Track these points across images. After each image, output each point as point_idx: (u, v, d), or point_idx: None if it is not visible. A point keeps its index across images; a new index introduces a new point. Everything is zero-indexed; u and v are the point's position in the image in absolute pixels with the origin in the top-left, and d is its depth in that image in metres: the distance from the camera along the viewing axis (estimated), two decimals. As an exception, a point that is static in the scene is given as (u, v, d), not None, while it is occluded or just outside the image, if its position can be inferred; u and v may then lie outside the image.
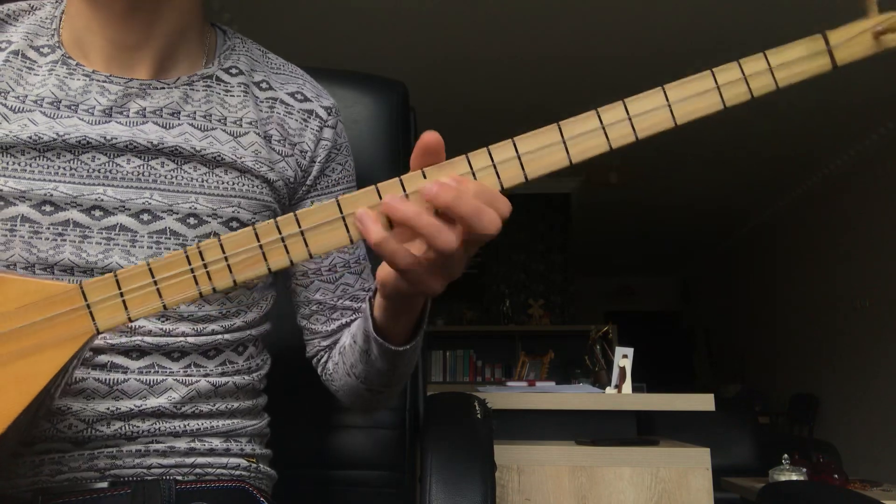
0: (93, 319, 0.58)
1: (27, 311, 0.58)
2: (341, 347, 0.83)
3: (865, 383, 4.75)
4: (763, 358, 6.68)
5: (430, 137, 0.57)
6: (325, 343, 0.88)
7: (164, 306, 0.58)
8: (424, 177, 0.58)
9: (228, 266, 0.58)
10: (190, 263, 0.57)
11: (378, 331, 0.70)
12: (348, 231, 0.58)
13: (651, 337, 6.80)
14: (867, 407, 4.72)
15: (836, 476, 2.73)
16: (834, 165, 5.12)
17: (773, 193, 5.92)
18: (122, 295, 0.58)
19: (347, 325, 0.87)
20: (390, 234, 0.55)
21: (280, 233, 0.57)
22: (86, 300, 0.58)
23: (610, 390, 1.99)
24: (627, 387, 1.98)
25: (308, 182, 0.85)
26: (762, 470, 3.00)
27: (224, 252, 0.57)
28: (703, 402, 1.92)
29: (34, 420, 0.67)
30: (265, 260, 0.58)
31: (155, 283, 0.58)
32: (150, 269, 0.57)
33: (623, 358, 2.00)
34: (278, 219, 0.57)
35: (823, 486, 2.30)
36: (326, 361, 0.88)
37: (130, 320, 0.58)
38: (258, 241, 0.57)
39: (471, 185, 0.55)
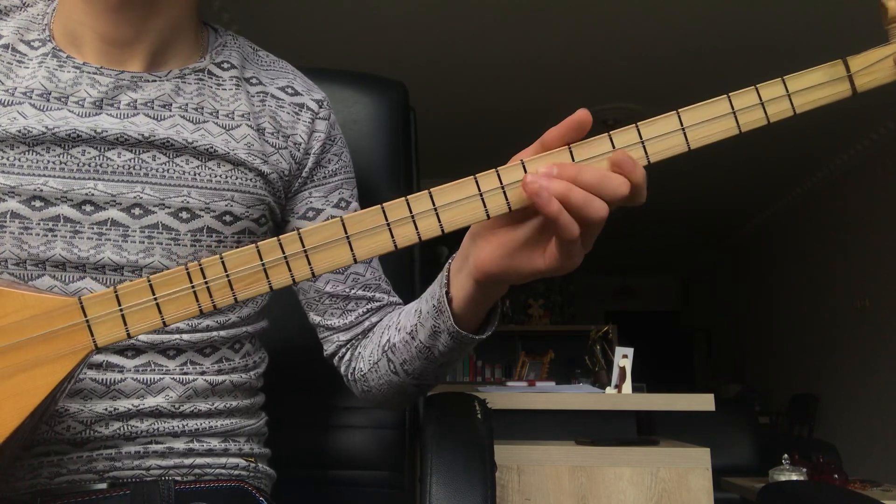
0: (91, 335, 0.57)
1: (26, 326, 0.58)
2: (386, 346, 0.79)
3: (865, 383, 4.74)
4: (763, 358, 6.67)
5: (584, 115, 0.58)
6: (345, 338, 0.86)
7: (164, 322, 0.57)
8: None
9: (230, 283, 0.57)
10: (191, 280, 0.57)
11: (458, 324, 0.69)
12: (352, 250, 0.57)
13: (651, 337, 6.80)
14: (867, 407, 4.71)
15: (836, 476, 2.73)
16: (834, 165, 5.12)
17: (773, 194, 5.91)
18: (121, 310, 0.57)
19: (365, 314, 0.85)
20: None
21: (283, 251, 0.57)
22: (85, 316, 0.57)
23: (610, 390, 1.99)
24: (627, 387, 1.98)
25: (304, 174, 0.85)
26: (762, 470, 3.00)
27: (226, 270, 0.57)
28: (703, 402, 1.92)
29: (35, 427, 0.67)
30: (267, 278, 0.57)
31: (155, 298, 0.57)
32: (150, 285, 0.57)
33: (623, 358, 2.00)
34: (281, 237, 0.57)
35: (823, 486, 2.30)
36: (352, 360, 0.85)
37: (130, 336, 0.57)
38: (261, 259, 0.57)
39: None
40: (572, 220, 0.56)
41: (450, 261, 0.69)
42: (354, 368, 0.85)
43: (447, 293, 0.68)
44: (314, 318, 0.87)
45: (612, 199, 0.57)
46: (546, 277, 0.63)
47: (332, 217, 0.80)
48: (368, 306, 0.86)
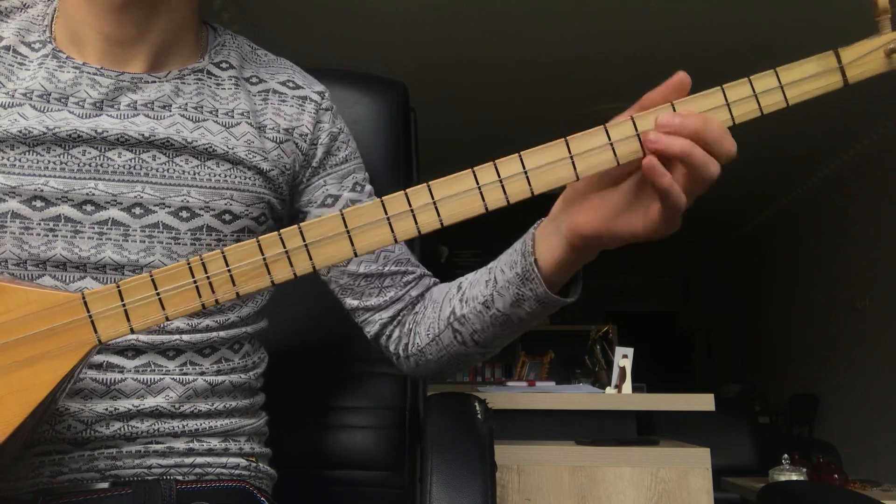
0: (95, 330, 0.58)
1: (28, 322, 0.58)
2: (451, 318, 0.78)
3: (865, 383, 4.74)
4: (763, 358, 6.67)
5: (683, 76, 0.61)
6: (387, 315, 0.85)
7: (167, 317, 0.58)
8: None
9: (231, 278, 0.58)
10: (193, 275, 0.57)
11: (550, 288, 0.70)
12: (352, 244, 0.58)
13: (651, 337, 6.79)
14: (867, 407, 4.71)
15: (836, 476, 2.73)
16: (834, 165, 5.12)
17: (773, 193, 5.91)
18: (124, 306, 0.57)
19: (404, 288, 0.85)
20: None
21: (284, 246, 0.58)
22: (88, 311, 0.58)
23: (610, 390, 1.99)
24: (627, 387, 1.98)
25: (314, 164, 0.85)
26: (762, 470, 3.00)
27: (227, 264, 0.58)
28: (703, 402, 1.92)
29: (36, 425, 0.67)
30: (269, 273, 0.58)
31: (157, 294, 0.57)
32: (152, 280, 0.57)
33: (623, 358, 2.00)
34: (282, 231, 0.58)
35: (823, 486, 2.30)
36: (402, 337, 0.84)
37: (133, 331, 0.58)
38: (262, 253, 0.58)
39: (712, 119, 0.59)
40: (680, 192, 0.59)
41: (533, 229, 0.70)
42: (408, 344, 0.84)
43: (536, 260, 0.69)
44: (351, 302, 0.86)
45: (726, 157, 0.60)
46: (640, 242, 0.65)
47: (351, 201, 0.84)
48: (404, 279, 0.85)
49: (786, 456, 2.68)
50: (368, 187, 0.90)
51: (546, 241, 0.68)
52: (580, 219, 0.64)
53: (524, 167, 0.59)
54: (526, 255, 0.69)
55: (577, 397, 1.95)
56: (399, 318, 0.85)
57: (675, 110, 0.59)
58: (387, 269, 0.85)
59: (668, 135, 0.58)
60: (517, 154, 0.59)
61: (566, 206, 0.67)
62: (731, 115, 0.60)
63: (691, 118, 0.58)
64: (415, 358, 0.84)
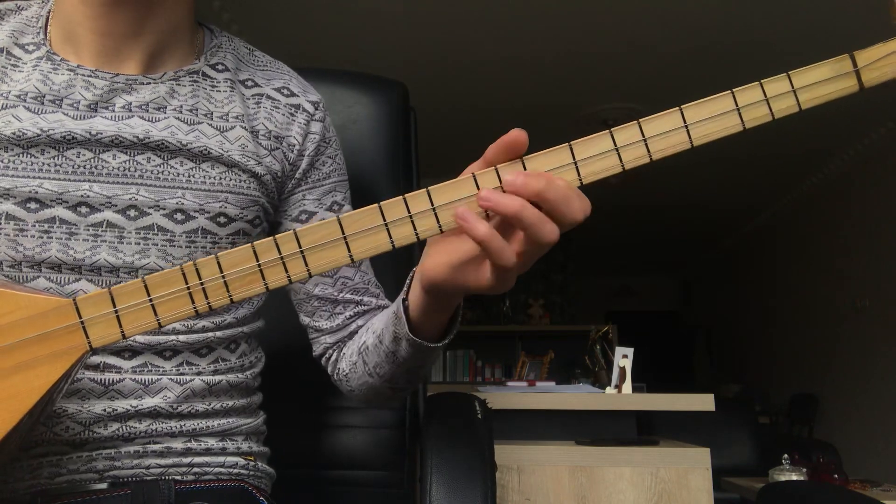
0: (86, 336, 0.57)
1: (19, 327, 0.57)
2: (362, 348, 0.80)
3: (865, 383, 4.74)
4: (763, 358, 6.67)
5: (518, 135, 0.56)
6: (331, 340, 0.86)
7: (160, 323, 0.57)
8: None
9: (226, 284, 0.57)
10: (186, 281, 0.57)
11: (413, 331, 0.69)
12: (349, 250, 0.57)
13: (651, 337, 6.79)
14: (867, 407, 4.71)
15: (836, 476, 2.73)
16: (834, 165, 5.12)
17: (774, 193, 5.91)
18: (116, 311, 0.57)
19: (352, 318, 0.86)
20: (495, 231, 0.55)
21: (279, 252, 0.57)
22: (80, 316, 0.57)
23: (610, 390, 1.99)
24: (627, 387, 1.98)
25: (297, 175, 0.85)
26: (762, 470, 2.99)
27: (221, 270, 0.57)
28: (703, 402, 1.92)
29: (32, 428, 0.67)
30: (263, 279, 0.57)
31: (150, 299, 0.57)
32: (145, 286, 0.57)
33: (623, 358, 2.00)
34: (277, 237, 0.57)
35: (823, 486, 2.30)
36: (338, 361, 0.86)
37: (125, 337, 0.57)
38: (257, 259, 0.57)
39: (557, 179, 0.56)
40: (505, 246, 0.55)
41: (416, 268, 0.68)
42: (339, 369, 0.85)
43: (405, 300, 0.69)
44: (304, 318, 0.88)
45: (570, 221, 0.55)
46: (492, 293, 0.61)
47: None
48: (356, 310, 0.86)
49: (786, 456, 2.68)
50: (347, 207, 0.89)
51: (415, 284, 0.67)
52: (430, 262, 0.62)
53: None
54: (403, 292, 0.69)
55: (577, 397, 1.95)
56: (339, 343, 0.86)
57: (514, 169, 0.56)
58: (341, 295, 0.86)
59: (505, 193, 0.55)
60: (519, 158, 0.58)
61: (428, 248, 0.63)
62: (742, 120, 0.58)
63: (533, 178, 0.55)
64: (344, 384, 0.85)
